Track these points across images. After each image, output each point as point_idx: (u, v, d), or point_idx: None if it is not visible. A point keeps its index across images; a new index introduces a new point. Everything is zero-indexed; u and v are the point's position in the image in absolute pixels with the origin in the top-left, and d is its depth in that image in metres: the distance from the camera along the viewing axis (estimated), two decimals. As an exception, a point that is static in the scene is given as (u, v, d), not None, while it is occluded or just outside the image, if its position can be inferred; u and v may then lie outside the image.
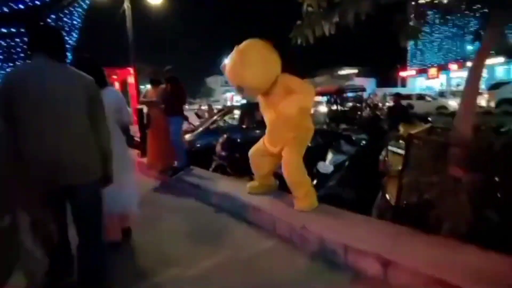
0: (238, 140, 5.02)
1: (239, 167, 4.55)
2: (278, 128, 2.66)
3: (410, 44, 33.57)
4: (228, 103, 48.37)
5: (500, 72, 25.89)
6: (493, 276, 1.47)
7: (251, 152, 3.00)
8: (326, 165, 3.39)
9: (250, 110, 7.47)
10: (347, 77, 39.45)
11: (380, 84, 33.71)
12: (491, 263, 1.57)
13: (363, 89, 7.11)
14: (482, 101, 13.75)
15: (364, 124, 5.43)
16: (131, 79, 13.43)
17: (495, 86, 14.95)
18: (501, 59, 25.35)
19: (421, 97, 16.83)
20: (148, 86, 4.60)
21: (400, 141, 3.06)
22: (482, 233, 1.70)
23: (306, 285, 1.88)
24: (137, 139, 8.22)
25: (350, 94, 8.84)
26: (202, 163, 4.75)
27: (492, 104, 13.72)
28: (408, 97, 15.19)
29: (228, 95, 53.77)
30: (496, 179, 1.78)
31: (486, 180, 1.74)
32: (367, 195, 3.10)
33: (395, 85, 31.63)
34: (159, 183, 4.45)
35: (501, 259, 1.58)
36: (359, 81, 28.42)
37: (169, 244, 2.52)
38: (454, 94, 18.56)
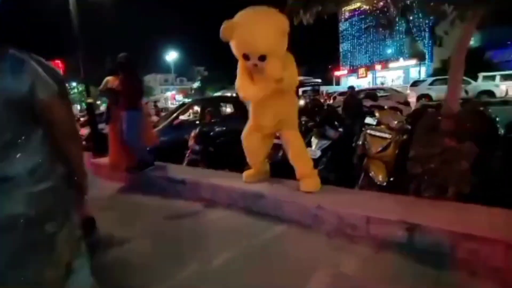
0: (211, 134, 4.82)
1: (213, 161, 4.38)
2: (275, 102, 2.53)
3: (342, 47, 37.02)
4: (169, 102, 46.28)
5: (414, 72, 30.37)
6: (507, 226, 1.70)
7: (244, 139, 2.90)
8: (313, 150, 3.48)
9: (211, 104, 7.26)
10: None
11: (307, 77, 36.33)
12: (500, 216, 1.81)
13: (320, 84, 7.55)
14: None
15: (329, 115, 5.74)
16: (59, 74, 11.69)
17: (414, 84, 17.47)
18: (413, 61, 29.83)
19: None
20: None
21: (381, 126, 3.29)
22: (481, 193, 1.96)
23: (329, 261, 1.89)
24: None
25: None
26: (169, 159, 4.42)
27: (414, 99, 16.00)
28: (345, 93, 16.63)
29: (169, 94, 51.33)
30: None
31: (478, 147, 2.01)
32: (349, 176, 3.32)
33: (330, 84, 34.48)
34: (128, 184, 3.99)
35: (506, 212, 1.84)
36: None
37: (169, 247, 2.28)
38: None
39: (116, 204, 3.36)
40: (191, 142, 4.48)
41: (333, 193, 2.46)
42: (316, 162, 3.46)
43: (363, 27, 32.84)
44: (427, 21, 24.28)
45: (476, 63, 20.73)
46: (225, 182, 3.02)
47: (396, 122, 3.16)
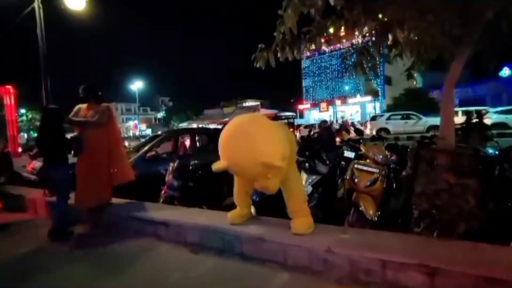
0: (191, 167, 4.50)
1: (192, 197, 4.03)
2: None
3: (304, 82, 39.46)
4: (131, 132, 44.22)
5: (370, 107, 33.10)
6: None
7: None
8: (304, 186, 3.36)
9: (187, 135, 6.95)
10: (253, 108, 42.50)
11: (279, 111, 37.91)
12: None
13: (295, 117, 7.72)
14: (367, 130, 17.14)
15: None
16: (9, 100, 10.54)
17: (373, 118, 18.98)
18: (368, 98, 32.67)
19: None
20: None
21: (367, 160, 3.31)
22: (490, 230, 1.95)
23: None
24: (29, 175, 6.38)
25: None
26: (141, 196, 3.98)
27: (374, 132, 17.21)
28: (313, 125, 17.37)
29: (131, 123, 49.28)
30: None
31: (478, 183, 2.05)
32: (337, 211, 3.24)
33: (295, 117, 36.09)
34: (91, 224, 3.45)
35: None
36: (264, 112, 30.94)
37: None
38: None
39: (81, 255, 2.83)
40: (169, 177, 4.11)
41: (342, 234, 2.30)
42: (308, 197, 3.34)
43: (323, 65, 35.77)
44: (378, 63, 27.26)
45: (422, 101, 23.36)
46: (216, 222, 2.72)
47: (381, 156, 3.20)
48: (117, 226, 3.34)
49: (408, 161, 3.09)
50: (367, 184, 3.03)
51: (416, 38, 2.59)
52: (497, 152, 4.15)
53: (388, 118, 17.65)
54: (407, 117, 17.10)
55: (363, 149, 3.50)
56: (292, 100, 41.53)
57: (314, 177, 3.46)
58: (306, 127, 16.55)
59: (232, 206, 2.83)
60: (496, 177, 2.55)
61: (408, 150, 3.06)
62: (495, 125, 12.92)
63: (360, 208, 2.92)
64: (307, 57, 36.19)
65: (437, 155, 2.20)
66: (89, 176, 3.46)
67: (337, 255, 2.03)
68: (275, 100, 44.89)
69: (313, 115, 37.26)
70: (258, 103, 45.26)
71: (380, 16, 2.49)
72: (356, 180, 3.18)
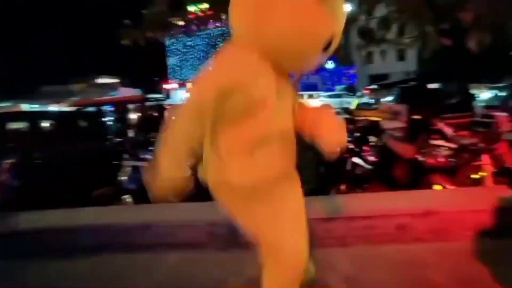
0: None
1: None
2: None
3: (169, 60, 37.57)
4: None
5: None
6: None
7: None
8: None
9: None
10: (110, 86, 37.06)
11: (146, 93, 34.82)
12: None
13: (163, 99, 7.42)
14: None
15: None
16: None
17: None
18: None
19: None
20: None
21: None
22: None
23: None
24: None
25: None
26: None
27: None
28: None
29: None
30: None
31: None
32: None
33: (165, 99, 33.93)
34: None
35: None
36: (125, 91, 27.74)
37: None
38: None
39: None
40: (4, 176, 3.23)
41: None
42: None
43: (189, 45, 35.09)
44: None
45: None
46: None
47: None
48: None
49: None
50: None
51: None
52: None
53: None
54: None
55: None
56: (156, 79, 38.89)
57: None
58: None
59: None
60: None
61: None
62: (323, 106, 16.78)
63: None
64: (171, 35, 34.44)
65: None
66: None
67: (219, 226, 2.30)
68: (135, 78, 40.72)
69: (180, 96, 36.58)
70: (116, 80, 39.81)
71: None
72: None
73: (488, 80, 13.08)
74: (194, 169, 1.19)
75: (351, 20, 3.55)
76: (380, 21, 3.75)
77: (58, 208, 2.64)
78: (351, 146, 3.22)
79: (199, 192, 1.22)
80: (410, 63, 23.60)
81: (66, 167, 3.72)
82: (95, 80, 39.30)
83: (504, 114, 3.05)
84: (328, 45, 1.06)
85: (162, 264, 2.16)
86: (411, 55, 21.11)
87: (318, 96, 21.34)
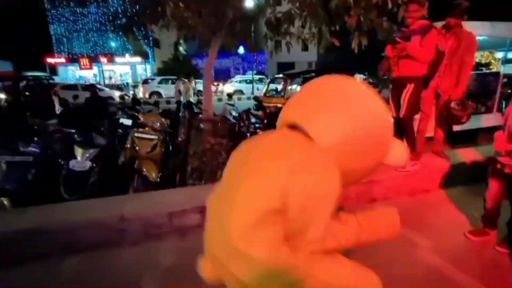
0: None
1: None
2: None
3: (52, 28, 30.88)
4: None
5: (140, 69, 32.34)
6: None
7: None
8: (80, 162, 3.06)
9: None
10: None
11: (21, 70, 27.75)
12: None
13: (49, 78, 6.16)
14: (140, 93, 17.02)
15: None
16: None
17: (145, 81, 18.97)
18: (138, 58, 31.66)
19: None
20: None
21: (146, 128, 3.52)
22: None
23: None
24: None
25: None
26: None
27: (147, 95, 17.39)
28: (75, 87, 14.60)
29: None
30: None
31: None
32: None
33: (44, 72, 27.74)
34: None
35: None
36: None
37: None
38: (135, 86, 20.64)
39: None
40: None
41: (131, 200, 2.44)
42: (87, 174, 3.10)
43: (79, 11, 29.47)
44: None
45: (187, 67, 26.09)
46: None
47: (159, 123, 3.53)
48: None
49: (181, 127, 3.65)
50: (148, 150, 3.31)
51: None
52: (236, 114, 5.77)
53: (160, 82, 18.38)
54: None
55: (141, 118, 3.66)
56: (34, 49, 31.29)
57: (92, 150, 3.21)
58: (65, 87, 13.29)
59: None
60: (236, 134, 3.65)
61: (181, 118, 3.57)
62: (236, 92, 17.16)
63: (144, 173, 3.18)
64: (52, -2, 27.89)
65: (202, 122, 2.85)
66: None
67: (131, 221, 2.20)
68: (6, 49, 31.98)
69: (72, 72, 31.02)
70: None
71: None
72: (137, 147, 3.35)
73: (368, 74, 16.11)
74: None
75: (260, 11, 3.71)
76: (285, 15, 4.04)
77: None
78: (261, 132, 3.48)
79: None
80: (313, 54, 28.83)
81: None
82: None
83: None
84: None
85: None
86: (313, 47, 23.87)
87: (231, 81, 21.66)
